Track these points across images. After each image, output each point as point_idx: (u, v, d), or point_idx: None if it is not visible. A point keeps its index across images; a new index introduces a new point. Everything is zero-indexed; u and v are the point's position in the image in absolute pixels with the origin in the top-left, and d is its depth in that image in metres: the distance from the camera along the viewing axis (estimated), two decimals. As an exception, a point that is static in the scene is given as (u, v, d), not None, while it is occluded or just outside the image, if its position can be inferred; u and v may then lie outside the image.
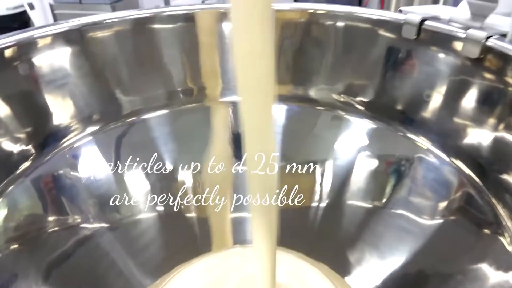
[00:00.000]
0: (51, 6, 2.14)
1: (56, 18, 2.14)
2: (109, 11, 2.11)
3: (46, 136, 0.38)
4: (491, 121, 0.34)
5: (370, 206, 0.42)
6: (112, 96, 0.42)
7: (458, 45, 0.35)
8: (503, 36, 0.34)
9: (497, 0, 0.36)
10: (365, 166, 0.43)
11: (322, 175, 0.45)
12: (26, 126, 0.36)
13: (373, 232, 0.41)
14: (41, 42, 0.37)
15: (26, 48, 0.36)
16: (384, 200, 0.42)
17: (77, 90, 0.40)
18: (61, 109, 0.39)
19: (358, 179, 0.43)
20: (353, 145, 0.44)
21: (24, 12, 1.80)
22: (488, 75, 0.34)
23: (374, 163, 0.43)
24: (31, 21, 1.85)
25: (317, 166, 0.46)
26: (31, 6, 1.87)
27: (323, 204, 0.45)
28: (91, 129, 0.41)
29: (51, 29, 0.38)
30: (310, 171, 0.46)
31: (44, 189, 0.37)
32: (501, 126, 0.33)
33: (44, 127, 0.38)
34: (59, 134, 0.39)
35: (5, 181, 0.33)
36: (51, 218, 0.36)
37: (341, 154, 0.45)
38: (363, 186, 0.43)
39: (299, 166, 0.46)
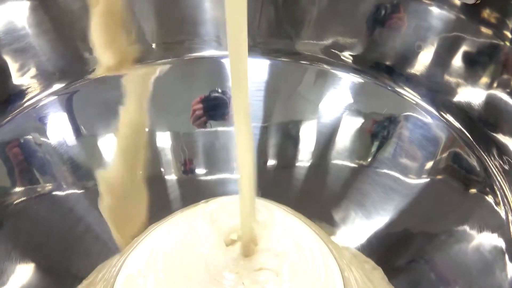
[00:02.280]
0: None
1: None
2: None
3: (5, 96, 0.35)
4: (484, 78, 0.32)
5: (356, 165, 0.41)
6: (78, 53, 0.39)
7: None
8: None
9: None
10: (351, 124, 0.42)
11: (307, 133, 0.44)
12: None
13: (358, 190, 0.40)
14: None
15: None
16: (370, 159, 0.40)
17: (38, 48, 0.37)
18: (20, 67, 0.36)
19: (344, 137, 0.42)
20: (339, 101, 0.42)
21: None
22: (483, 29, 0.32)
23: (360, 121, 0.41)
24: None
25: (302, 124, 0.44)
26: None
27: (307, 163, 0.44)
28: (57, 86, 0.38)
29: None
30: (295, 129, 0.45)
31: (9, 155, 0.34)
32: (495, 83, 0.31)
33: (2, 86, 0.35)
34: (20, 93, 0.36)
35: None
36: (18, 189, 0.34)
37: (326, 111, 0.43)
38: (349, 144, 0.42)
39: (284, 124, 0.45)
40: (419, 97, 0.37)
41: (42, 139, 0.37)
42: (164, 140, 0.43)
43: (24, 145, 0.36)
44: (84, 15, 0.39)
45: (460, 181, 0.34)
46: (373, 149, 0.41)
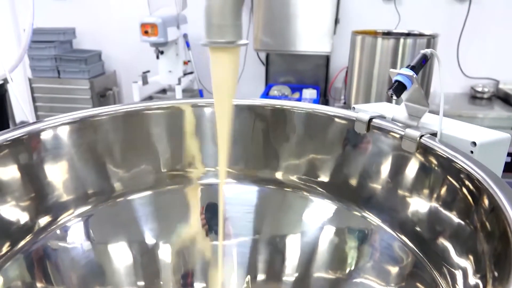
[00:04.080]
0: (29, 79, 2.21)
1: (33, 91, 2.20)
2: (87, 86, 2.19)
3: (44, 215, 0.42)
4: (426, 191, 0.40)
5: (335, 277, 0.47)
6: (105, 176, 0.47)
7: (399, 139, 0.43)
8: (433, 135, 0.42)
9: (428, 105, 0.44)
10: (327, 243, 0.49)
11: (292, 249, 0.50)
12: (27, 205, 0.40)
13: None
14: (48, 128, 0.43)
15: (37, 133, 0.42)
16: (347, 271, 0.46)
17: (73, 168, 0.45)
18: (59, 189, 0.44)
19: (324, 252, 0.49)
20: (317, 222, 0.50)
21: (2, 85, 1.84)
22: (418, 155, 0.41)
23: (335, 240, 0.48)
24: (8, 94, 1.89)
25: (287, 240, 0.51)
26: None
27: (293, 278, 0.49)
28: (83, 208, 0.45)
29: (59, 119, 0.44)
30: (281, 244, 0.51)
31: (35, 262, 0.40)
32: (435, 196, 0.39)
33: (43, 206, 0.42)
34: (55, 212, 0.43)
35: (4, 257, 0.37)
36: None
37: (307, 229, 0.50)
38: (329, 258, 0.48)
39: (270, 241, 0.52)
40: (380, 220, 0.45)
41: (62, 249, 0.42)
42: (166, 254, 0.49)
43: (48, 255, 0.41)
44: (113, 141, 0.48)
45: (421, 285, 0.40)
46: (348, 262, 0.47)
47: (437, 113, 0.44)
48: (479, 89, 2.07)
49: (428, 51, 0.43)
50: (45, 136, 0.43)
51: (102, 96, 2.28)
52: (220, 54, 0.34)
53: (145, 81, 2.06)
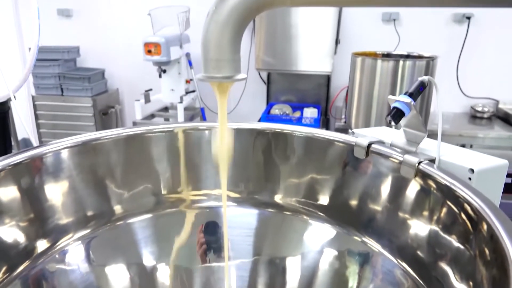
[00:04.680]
0: (33, 97, 2.22)
1: (36, 108, 2.22)
2: (90, 104, 2.21)
3: (43, 239, 0.42)
4: (426, 213, 0.41)
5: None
6: (105, 199, 0.48)
7: (398, 164, 0.43)
8: (432, 161, 0.42)
9: (426, 131, 0.45)
10: (328, 266, 0.48)
11: (291, 273, 0.50)
12: (27, 229, 0.41)
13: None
14: (50, 153, 0.43)
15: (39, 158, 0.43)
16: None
17: (74, 191, 0.45)
18: (59, 212, 0.44)
19: (324, 275, 0.48)
20: (316, 247, 0.50)
21: (5, 103, 1.86)
22: (418, 179, 0.41)
23: (335, 264, 0.48)
24: (11, 111, 1.90)
25: (286, 264, 0.51)
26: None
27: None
28: (83, 232, 0.45)
29: (61, 143, 0.45)
30: (279, 270, 0.51)
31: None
32: (435, 218, 0.40)
33: (43, 230, 0.42)
34: (55, 236, 0.43)
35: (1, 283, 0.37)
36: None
37: (306, 254, 0.50)
38: (327, 284, 0.48)
39: (269, 265, 0.51)
40: (381, 246, 0.45)
41: (61, 271, 0.42)
42: (165, 277, 0.48)
43: (44, 277, 0.41)
44: (114, 165, 0.48)
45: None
46: (350, 285, 0.46)
47: (437, 133, 0.44)
48: (479, 109, 2.08)
49: (425, 78, 0.44)
50: (47, 160, 0.43)
51: (105, 114, 2.29)
52: (216, 86, 0.34)
53: (147, 99, 2.08)
